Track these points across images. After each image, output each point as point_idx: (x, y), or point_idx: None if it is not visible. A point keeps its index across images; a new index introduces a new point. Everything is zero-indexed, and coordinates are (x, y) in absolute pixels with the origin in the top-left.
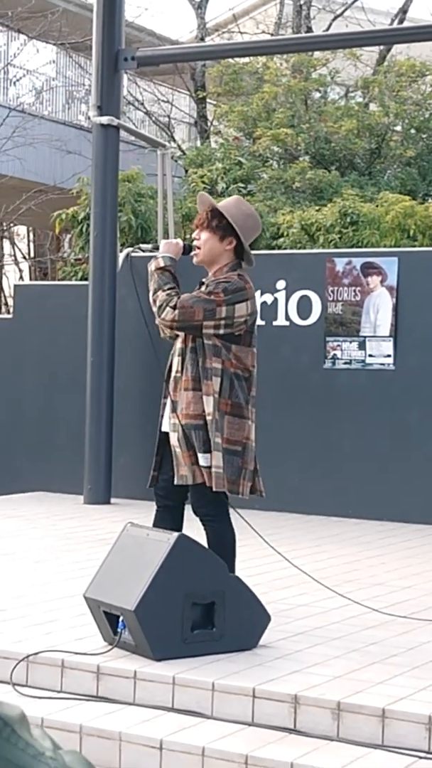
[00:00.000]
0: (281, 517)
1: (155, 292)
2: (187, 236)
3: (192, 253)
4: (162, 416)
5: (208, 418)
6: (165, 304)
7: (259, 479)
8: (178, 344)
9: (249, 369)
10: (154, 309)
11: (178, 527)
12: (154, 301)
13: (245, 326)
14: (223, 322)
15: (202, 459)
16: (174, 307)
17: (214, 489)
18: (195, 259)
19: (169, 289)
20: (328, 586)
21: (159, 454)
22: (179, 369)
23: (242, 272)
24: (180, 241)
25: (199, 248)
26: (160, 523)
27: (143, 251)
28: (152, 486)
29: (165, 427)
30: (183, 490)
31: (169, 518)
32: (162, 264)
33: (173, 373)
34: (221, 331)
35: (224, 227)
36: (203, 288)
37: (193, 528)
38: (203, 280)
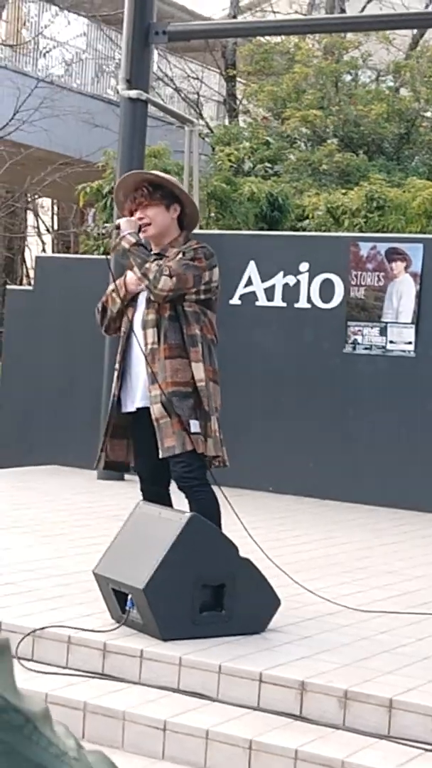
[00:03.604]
0: (296, 501)
1: (142, 265)
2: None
3: (142, 232)
4: (118, 395)
5: (200, 384)
6: (159, 274)
7: (224, 448)
8: (149, 316)
9: (217, 335)
10: (146, 281)
11: None
12: (145, 274)
13: (217, 291)
14: (203, 287)
15: (193, 426)
16: (170, 276)
17: (213, 453)
18: (144, 234)
19: (154, 260)
20: (301, 581)
21: (128, 436)
22: (155, 340)
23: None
24: (135, 219)
25: (148, 224)
26: None
27: (107, 230)
28: (96, 468)
29: (138, 404)
30: (168, 471)
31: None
32: (133, 240)
33: (148, 346)
34: (202, 297)
35: (167, 196)
36: (181, 255)
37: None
38: (159, 252)
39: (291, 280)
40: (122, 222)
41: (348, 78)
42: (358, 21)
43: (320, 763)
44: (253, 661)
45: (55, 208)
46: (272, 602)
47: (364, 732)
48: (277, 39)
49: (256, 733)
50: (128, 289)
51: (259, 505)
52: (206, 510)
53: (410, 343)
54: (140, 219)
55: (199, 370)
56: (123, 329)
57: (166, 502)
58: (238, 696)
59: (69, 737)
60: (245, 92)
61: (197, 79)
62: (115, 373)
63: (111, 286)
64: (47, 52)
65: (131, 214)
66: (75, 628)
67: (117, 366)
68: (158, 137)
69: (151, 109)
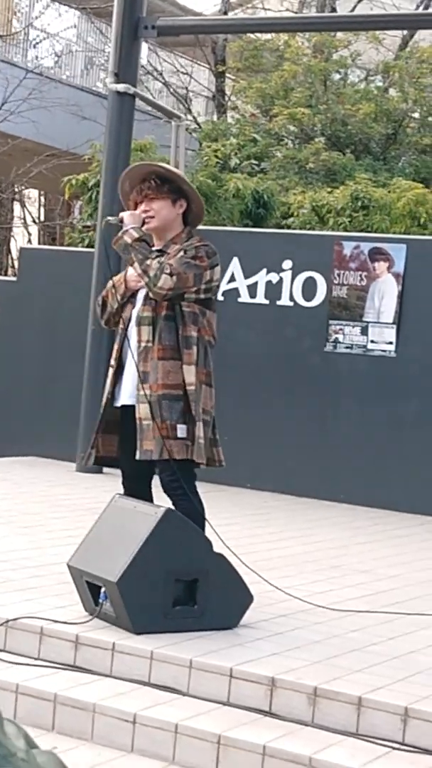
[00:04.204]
0: (273, 497)
1: (143, 261)
2: None
3: (146, 224)
4: (112, 391)
5: (190, 388)
6: (160, 272)
7: (219, 449)
8: (145, 313)
9: (215, 336)
10: (146, 279)
11: None
12: (145, 271)
13: (218, 290)
14: (204, 286)
15: (180, 431)
16: (171, 274)
17: (195, 461)
18: (147, 226)
19: (155, 257)
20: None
21: (117, 432)
22: (149, 338)
23: (201, 236)
24: (140, 213)
25: (152, 217)
26: None
27: (111, 223)
28: (87, 464)
29: (125, 401)
30: (150, 469)
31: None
32: (136, 235)
33: (141, 343)
34: (201, 296)
35: (175, 190)
36: (182, 253)
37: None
38: (161, 249)
39: (274, 277)
40: (126, 216)
41: (337, 77)
42: (348, 20)
43: (288, 760)
44: (224, 656)
45: (42, 199)
46: (245, 598)
47: (333, 729)
48: (267, 36)
49: (225, 728)
50: (128, 286)
51: (237, 501)
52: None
53: (391, 343)
54: (145, 211)
55: (190, 374)
56: (121, 325)
57: (148, 499)
58: (209, 691)
59: (19, 738)
60: (234, 89)
61: (186, 74)
62: (111, 370)
63: (111, 281)
64: (37, 43)
65: (135, 206)
66: (48, 620)
67: (113, 362)
68: (145, 131)
69: (138, 103)
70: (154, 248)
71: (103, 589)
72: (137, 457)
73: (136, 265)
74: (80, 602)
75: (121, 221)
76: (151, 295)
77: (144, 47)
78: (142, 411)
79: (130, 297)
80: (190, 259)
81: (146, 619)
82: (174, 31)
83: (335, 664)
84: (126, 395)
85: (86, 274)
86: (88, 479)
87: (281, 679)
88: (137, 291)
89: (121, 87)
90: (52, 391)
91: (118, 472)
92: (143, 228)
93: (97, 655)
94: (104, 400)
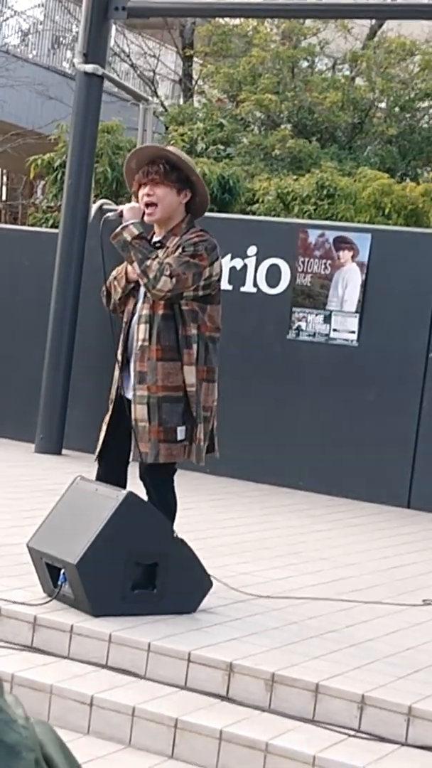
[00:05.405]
0: (233, 483)
1: (142, 261)
2: None
3: (147, 215)
4: (118, 386)
5: (191, 389)
6: (159, 274)
7: (216, 437)
8: (144, 311)
9: (219, 327)
10: (145, 280)
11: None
12: (145, 271)
13: (218, 284)
14: (203, 283)
15: (180, 433)
16: (170, 276)
17: (195, 462)
18: (149, 218)
19: (156, 257)
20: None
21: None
22: (146, 337)
23: (201, 227)
24: (140, 205)
25: (155, 204)
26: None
27: (110, 219)
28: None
29: (129, 395)
30: (128, 452)
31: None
32: (136, 232)
33: (138, 342)
34: (200, 293)
35: (182, 180)
36: (181, 250)
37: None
38: (161, 240)
39: (238, 263)
40: (125, 210)
41: (305, 64)
42: (317, 8)
43: (244, 745)
44: (183, 640)
45: (5, 178)
46: (204, 583)
47: (290, 715)
48: (236, 21)
49: (181, 712)
50: (128, 278)
51: (196, 487)
52: (158, 509)
53: (353, 332)
54: (148, 195)
55: (190, 375)
56: (124, 319)
57: (122, 483)
58: (166, 675)
59: (18, 707)
60: (201, 73)
61: (154, 56)
62: (117, 366)
63: (113, 273)
64: (4, 20)
65: (138, 186)
66: (6, 601)
67: (119, 357)
68: (112, 113)
69: (106, 84)
70: (153, 239)
71: (62, 571)
72: (131, 458)
73: (135, 264)
74: (39, 583)
75: (121, 215)
76: (149, 295)
77: (112, 28)
78: (139, 412)
79: (132, 289)
80: (189, 257)
81: (105, 602)
82: (144, 13)
83: (293, 651)
84: (130, 390)
85: (50, 255)
86: (48, 460)
87: (239, 665)
88: (139, 284)
89: (89, 68)
90: (13, 371)
91: (77, 454)
92: (144, 219)
93: (54, 637)
94: (113, 399)
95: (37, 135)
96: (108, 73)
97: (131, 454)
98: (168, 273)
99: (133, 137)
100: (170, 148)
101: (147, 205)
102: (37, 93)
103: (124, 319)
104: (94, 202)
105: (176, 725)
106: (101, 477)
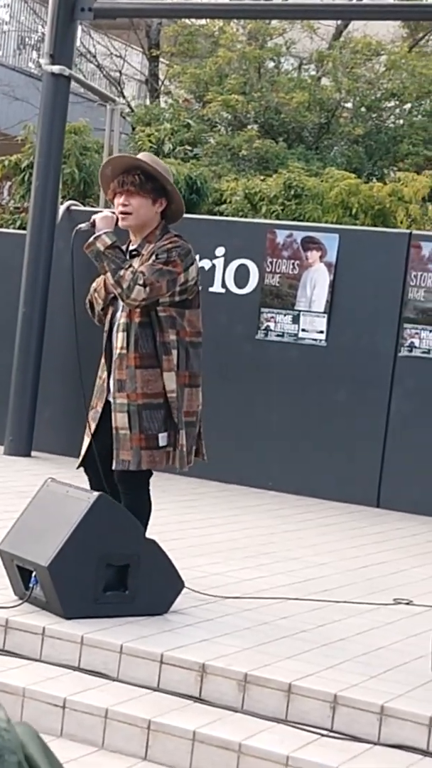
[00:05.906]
0: (201, 484)
1: (116, 272)
2: None
3: (122, 220)
4: (99, 395)
5: (171, 396)
6: (133, 284)
7: (202, 442)
8: (122, 319)
9: (200, 331)
10: (119, 290)
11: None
12: (118, 282)
13: (196, 288)
14: (178, 289)
15: (162, 439)
16: (144, 285)
17: (179, 468)
18: (123, 223)
19: (129, 266)
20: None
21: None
22: (124, 345)
23: (176, 232)
24: (112, 214)
25: (129, 213)
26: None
27: (83, 230)
28: (82, 466)
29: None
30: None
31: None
32: (109, 242)
33: (117, 350)
34: (177, 299)
35: (157, 189)
36: (154, 258)
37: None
38: (136, 248)
39: (206, 264)
40: (98, 219)
41: (271, 65)
42: (283, 9)
43: (217, 745)
44: (155, 642)
45: None
46: (176, 584)
47: (262, 716)
48: (202, 22)
49: (155, 714)
50: (107, 290)
51: (165, 487)
52: (133, 513)
53: (322, 332)
54: (123, 205)
55: (170, 381)
56: (105, 328)
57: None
58: (139, 676)
59: (0, 709)
60: (168, 73)
61: (120, 57)
62: (102, 374)
63: (93, 285)
64: None
65: (114, 195)
66: None
67: (103, 362)
68: (79, 114)
69: (72, 85)
70: (129, 247)
71: (33, 573)
72: (114, 466)
73: (108, 275)
74: (10, 586)
75: (93, 225)
76: (123, 305)
77: (78, 29)
78: (119, 420)
79: (113, 299)
80: (163, 264)
81: (77, 604)
82: (111, 14)
83: (265, 651)
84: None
85: (17, 256)
86: (17, 462)
87: (211, 666)
88: None
89: (56, 69)
90: None
91: (47, 456)
92: (119, 224)
93: (26, 640)
94: (97, 404)
95: (4, 136)
96: (74, 73)
97: (115, 464)
98: (141, 282)
99: (101, 138)
100: (145, 156)
101: (122, 213)
102: (3, 94)
103: (105, 328)
104: (62, 203)
105: (149, 727)
106: (97, 487)
